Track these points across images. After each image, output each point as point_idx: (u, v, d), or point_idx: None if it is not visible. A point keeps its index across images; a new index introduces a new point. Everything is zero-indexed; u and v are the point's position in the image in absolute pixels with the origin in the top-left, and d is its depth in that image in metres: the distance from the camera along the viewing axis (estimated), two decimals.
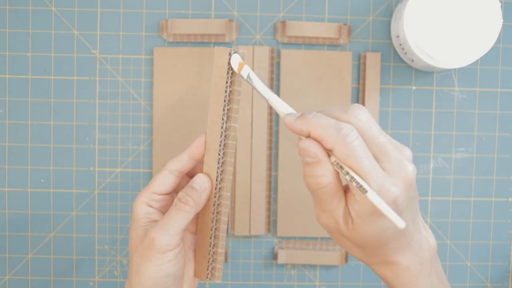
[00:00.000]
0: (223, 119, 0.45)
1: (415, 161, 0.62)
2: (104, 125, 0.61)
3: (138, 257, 0.45)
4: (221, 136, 0.46)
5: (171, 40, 0.61)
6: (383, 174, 0.39)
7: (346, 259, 0.62)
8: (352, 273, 0.63)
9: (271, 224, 0.62)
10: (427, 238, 0.44)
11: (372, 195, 0.38)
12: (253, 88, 0.44)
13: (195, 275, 0.49)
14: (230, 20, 0.60)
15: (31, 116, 0.61)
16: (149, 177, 0.62)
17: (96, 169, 0.62)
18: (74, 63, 0.61)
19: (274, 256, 0.62)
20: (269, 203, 0.62)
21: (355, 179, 0.39)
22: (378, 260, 0.44)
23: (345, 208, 0.41)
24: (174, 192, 0.48)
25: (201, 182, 0.46)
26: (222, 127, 0.45)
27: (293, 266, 0.63)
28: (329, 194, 0.40)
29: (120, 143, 0.62)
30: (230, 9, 0.61)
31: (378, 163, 0.40)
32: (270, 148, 0.61)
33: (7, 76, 0.61)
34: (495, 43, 0.61)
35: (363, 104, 0.61)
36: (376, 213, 0.40)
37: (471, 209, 0.63)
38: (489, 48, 0.55)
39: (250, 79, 0.44)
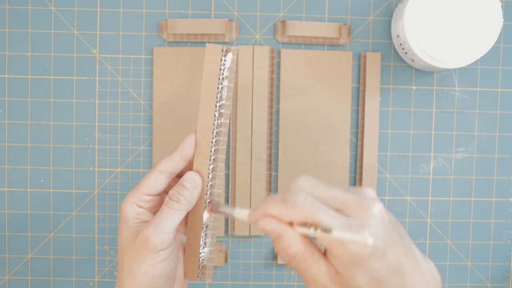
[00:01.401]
0: (214, 115, 0.45)
1: (416, 161, 0.62)
2: (103, 125, 0.61)
3: (130, 258, 0.45)
4: (212, 132, 0.45)
5: (171, 40, 0.60)
6: (347, 219, 0.39)
7: None
8: None
9: None
10: (430, 271, 0.42)
11: (337, 232, 0.38)
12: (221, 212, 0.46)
13: (185, 275, 0.49)
14: (230, 20, 0.60)
15: (30, 116, 0.61)
16: None
17: (96, 169, 0.62)
18: (73, 63, 0.61)
19: (274, 256, 0.62)
20: None
21: (318, 227, 0.38)
22: None
23: (329, 269, 0.40)
24: (164, 192, 0.48)
25: (191, 180, 0.46)
26: (214, 124, 0.45)
27: None
28: (305, 261, 0.40)
29: (119, 143, 0.61)
30: (230, 9, 0.61)
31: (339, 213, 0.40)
32: (270, 148, 0.61)
33: (6, 76, 0.61)
34: (496, 43, 0.61)
35: (363, 104, 0.61)
36: (358, 259, 0.39)
37: (472, 209, 0.63)
38: (489, 48, 0.55)
39: (218, 212, 0.46)
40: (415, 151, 0.62)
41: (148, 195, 0.46)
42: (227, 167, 0.61)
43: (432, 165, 0.62)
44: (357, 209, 0.39)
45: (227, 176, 0.61)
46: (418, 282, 0.41)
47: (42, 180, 0.61)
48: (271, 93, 0.61)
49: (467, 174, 0.62)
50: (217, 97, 0.45)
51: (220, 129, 0.45)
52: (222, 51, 0.45)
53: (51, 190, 0.62)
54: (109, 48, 0.61)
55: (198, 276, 0.48)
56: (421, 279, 0.41)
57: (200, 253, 0.47)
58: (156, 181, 0.46)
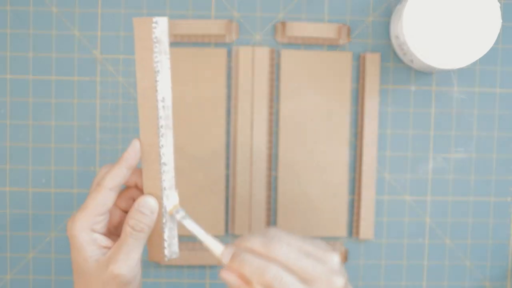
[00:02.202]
0: (157, 90, 0.42)
1: (415, 161, 0.62)
2: (104, 126, 0.62)
3: None
4: (157, 109, 0.43)
5: (171, 40, 0.61)
6: None
7: (346, 259, 0.63)
8: (352, 273, 0.63)
9: (271, 224, 0.62)
10: None
11: None
12: (188, 229, 0.45)
13: (150, 258, 0.48)
14: (230, 21, 0.60)
15: (32, 116, 0.61)
16: None
17: (97, 169, 0.62)
18: (74, 63, 0.61)
19: None
20: (269, 203, 0.62)
21: None
22: None
23: None
24: (113, 205, 0.47)
25: (147, 205, 0.45)
26: (157, 102, 0.43)
27: None
28: None
29: (121, 143, 0.62)
30: (230, 10, 0.61)
31: (306, 285, 0.42)
32: (270, 148, 0.61)
33: (8, 76, 0.61)
34: (494, 44, 0.61)
35: (363, 105, 0.61)
36: None
37: (470, 209, 0.63)
38: (488, 49, 0.55)
39: (184, 221, 0.45)
40: (414, 151, 0.62)
41: (100, 216, 0.44)
42: (227, 167, 0.62)
43: (431, 165, 0.62)
44: (323, 286, 0.42)
45: (227, 176, 0.62)
46: None
47: (43, 180, 0.62)
48: (271, 93, 0.61)
49: (466, 174, 0.63)
50: (156, 74, 0.42)
51: (164, 103, 0.43)
52: (153, 22, 0.42)
53: (52, 190, 0.62)
54: (110, 48, 0.61)
55: (165, 256, 0.46)
56: None
57: (164, 232, 0.46)
58: (106, 200, 0.44)
